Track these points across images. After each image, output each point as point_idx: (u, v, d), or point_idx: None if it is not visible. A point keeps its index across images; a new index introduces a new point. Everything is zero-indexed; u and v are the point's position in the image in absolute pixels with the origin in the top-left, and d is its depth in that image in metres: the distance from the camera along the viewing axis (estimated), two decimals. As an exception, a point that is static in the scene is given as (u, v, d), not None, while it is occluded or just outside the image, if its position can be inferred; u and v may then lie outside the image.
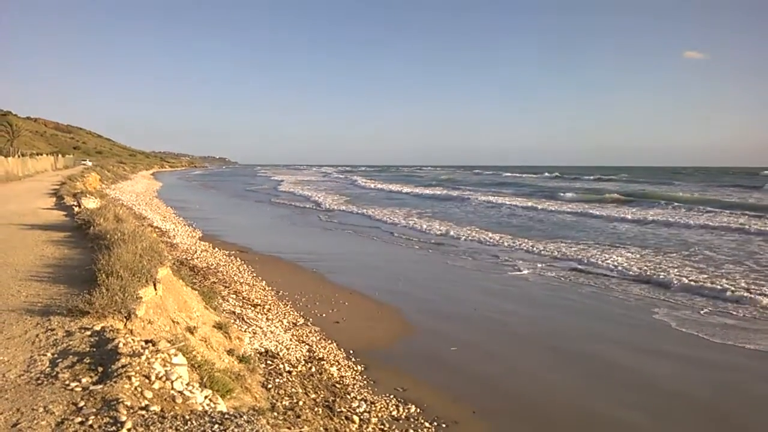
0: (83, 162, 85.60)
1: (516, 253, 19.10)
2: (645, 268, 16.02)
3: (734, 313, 11.77)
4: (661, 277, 14.79)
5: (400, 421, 7.02)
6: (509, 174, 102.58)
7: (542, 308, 12.47)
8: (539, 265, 16.87)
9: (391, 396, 7.69)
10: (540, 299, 13.23)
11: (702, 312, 11.82)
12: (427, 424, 6.95)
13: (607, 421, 7.25)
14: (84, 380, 3.84)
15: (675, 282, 14.11)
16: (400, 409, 7.34)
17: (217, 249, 17.94)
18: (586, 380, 8.57)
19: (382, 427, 6.80)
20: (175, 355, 4.50)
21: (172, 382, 3.93)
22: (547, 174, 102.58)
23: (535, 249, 19.66)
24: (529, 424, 7.14)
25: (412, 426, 6.90)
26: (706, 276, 14.93)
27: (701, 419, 7.35)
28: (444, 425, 6.95)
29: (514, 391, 8.10)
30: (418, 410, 7.32)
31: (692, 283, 14.05)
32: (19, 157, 47.40)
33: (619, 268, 16.10)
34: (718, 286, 13.57)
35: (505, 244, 21.08)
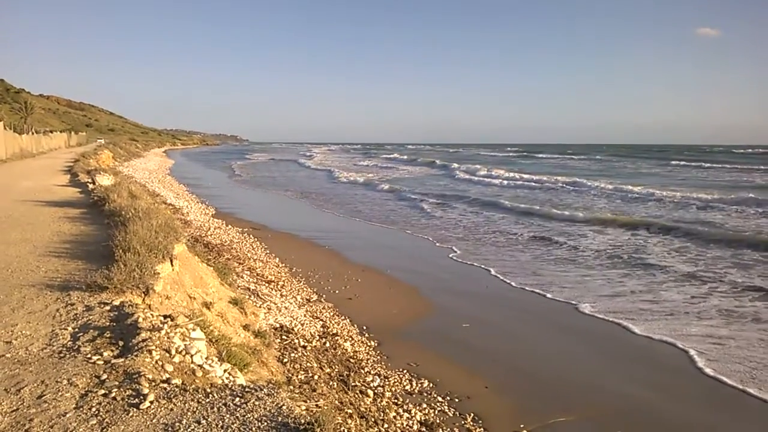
0: (98, 140, 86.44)
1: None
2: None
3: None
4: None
5: (414, 395, 7.09)
6: (475, 152, 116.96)
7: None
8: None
9: (404, 371, 7.76)
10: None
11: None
12: (440, 399, 7.02)
13: (619, 397, 7.29)
14: (105, 354, 3.92)
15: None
16: (414, 383, 7.41)
17: (230, 226, 18.04)
18: (598, 357, 8.61)
19: (396, 401, 6.87)
20: (194, 329, 4.57)
21: (191, 356, 4.00)
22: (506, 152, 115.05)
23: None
24: (542, 399, 7.19)
25: (426, 400, 6.97)
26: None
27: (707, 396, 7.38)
28: (457, 399, 7.01)
29: (527, 367, 8.15)
30: (431, 385, 7.39)
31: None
32: (32, 134, 47.68)
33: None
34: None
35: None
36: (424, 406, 6.82)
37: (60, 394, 3.33)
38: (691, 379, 7.77)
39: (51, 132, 66.13)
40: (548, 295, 11.51)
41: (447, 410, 6.77)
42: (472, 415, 6.65)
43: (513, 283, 12.44)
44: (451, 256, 15.35)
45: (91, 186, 14.85)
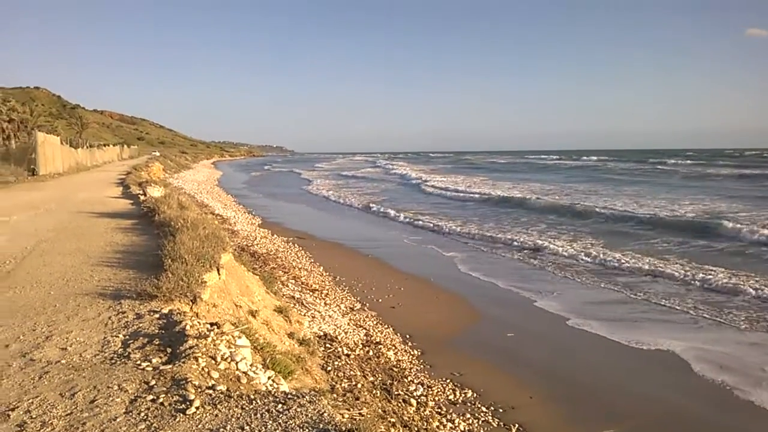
0: (154, 153, 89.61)
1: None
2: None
3: None
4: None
5: (457, 405, 7.05)
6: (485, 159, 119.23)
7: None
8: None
9: (448, 380, 7.72)
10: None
11: None
12: (484, 409, 6.96)
13: (661, 405, 7.09)
14: (154, 360, 4.03)
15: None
16: (457, 393, 7.37)
17: (275, 235, 18.31)
18: (638, 366, 8.40)
19: (440, 410, 6.84)
20: (239, 337, 4.66)
21: (236, 363, 4.08)
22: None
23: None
24: (587, 409, 7.05)
25: (469, 410, 6.92)
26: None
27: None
28: (501, 410, 6.94)
29: (570, 377, 8.00)
30: (475, 395, 7.33)
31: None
32: (87, 148, 49.45)
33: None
34: None
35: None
36: (468, 416, 6.76)
37: (111, 399, 3.45)
38: (725, 390, 7.51)
39: (104, 146, 68.45)
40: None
41: (491, 421, 6.70)
42: (516, 426, 6.57)
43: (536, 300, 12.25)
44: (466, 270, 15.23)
45: (142, 197, 15.30)
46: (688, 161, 77.83)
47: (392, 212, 26.52)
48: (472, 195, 35.08)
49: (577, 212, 24.98)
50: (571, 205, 27.29)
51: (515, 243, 17.93)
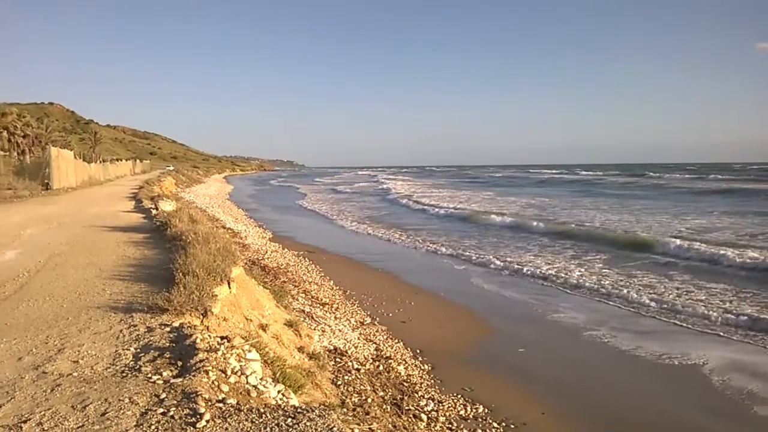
0: (168, 167, 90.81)
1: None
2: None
3: None
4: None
5: (468, 421, 7.00)
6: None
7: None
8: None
9: (459, 395, 7.68)
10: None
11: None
12: (495, 425, 6.90)
13: (684, 426, 7.01)
14: (165, 373, 4.05)
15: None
16: (468, 408, 7.32)
17: (286, 249, 18.35)
18: (653, 384, 8.30)
19: (450, 426, 6.80)
20: (249, 351, 4.66)
21: (246, 376, 4.09)
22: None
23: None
24: (599, 426, 6.99)
25: (480, 426, 6.87)
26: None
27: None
28: (513, 426, 6.88)
29: (583, 393, 7.94)
30: (486, 410, 7.28)
31: None
32: (100, 162, 49.99)
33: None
34: None
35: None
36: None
37: (122, 411, 3.46)
38: (754, 408, 7.41)
39: (117, 160, 69.26)
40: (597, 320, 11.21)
41: (502, 436, 6.66)
42: (528, 441, 6.52)
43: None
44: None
45: (154, 212, 15.40)
46: (688, 175, 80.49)
47: (395, 229, 26.49)
48: (465, 211, 34.42)
49: (578, 231, 24.58)
50: (573, 223, 27.09)
51: (521, 259, 17.85)
